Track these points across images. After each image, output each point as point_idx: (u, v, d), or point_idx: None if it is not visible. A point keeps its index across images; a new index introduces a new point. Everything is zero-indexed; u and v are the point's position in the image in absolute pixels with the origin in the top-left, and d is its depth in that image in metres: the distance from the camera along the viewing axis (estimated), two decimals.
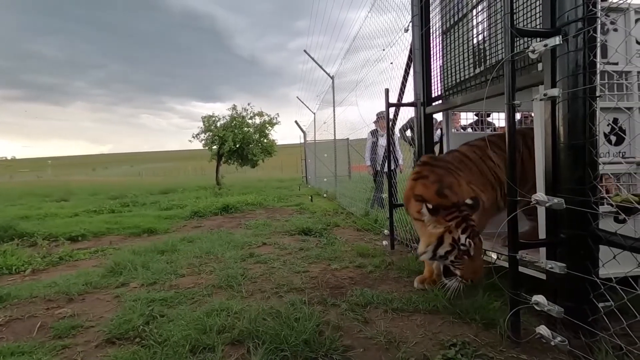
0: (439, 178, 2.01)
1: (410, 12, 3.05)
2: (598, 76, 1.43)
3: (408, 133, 4.23)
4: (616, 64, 1.88)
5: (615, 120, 1.88)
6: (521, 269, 1.63)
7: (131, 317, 1.86)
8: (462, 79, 2.47)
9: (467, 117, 3.81)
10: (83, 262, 3.28)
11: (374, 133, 5.85)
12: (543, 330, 1.39)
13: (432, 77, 2.91)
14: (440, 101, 2.84)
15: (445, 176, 2.03)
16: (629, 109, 1.85)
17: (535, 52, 1.49)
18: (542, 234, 1.74)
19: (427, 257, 1.86)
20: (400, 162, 5.17)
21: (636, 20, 1.93)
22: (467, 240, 1.76)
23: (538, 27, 1.70)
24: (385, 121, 3.58)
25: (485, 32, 2.23)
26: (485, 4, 2.23)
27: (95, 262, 3.23)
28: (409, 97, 3.38)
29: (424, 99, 2.94)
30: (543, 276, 1.69)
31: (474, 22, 2.35)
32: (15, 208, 7.42)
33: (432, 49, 2.90)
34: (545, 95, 1.50)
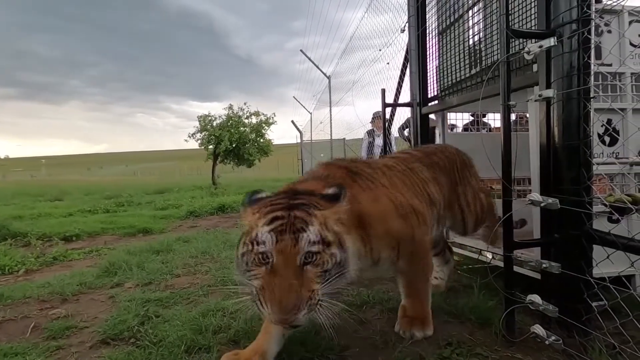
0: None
1: (406, 13, 3.06)
2: (592, 77, 1.45)
3: (406, 133, 4.25)
4: (610, 65, 1.90)
5: (609, 121, 1.89)
6: (516, 268, 1.64)
7: (126, 317, 1.85)
8: (458, 79, 2.48)
9: (457, 117, 3.82)
10: (77, 262, 3.25)
11: (370, 133, 5.86)
12: (538, 329, 1.40)
13: (429, 78, 2.92)
14: (436, 101, 2.86)
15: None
16: (623, 110, 1.87)
17: (531, 53, 1.50)
18: (536, 234, 1.75)
19: None
20: None
21: (630, 22, 1.95)
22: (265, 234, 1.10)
23: (533, 28, 1.72)
24: (381, 121, 3.59)
25: (481, 33, 2.24)
26: (481, 5, 2.25)
27: (90, 262, 3.20)
28: (405, 97, 3.39)
29: (420, 99, 2.95)
30: (538, 276, 1.71)
31: (470, 23, 2.36)
32: (9, 208, 7.35)
33: (428, 49, 2.91)
34: (540, 96, 1.51)
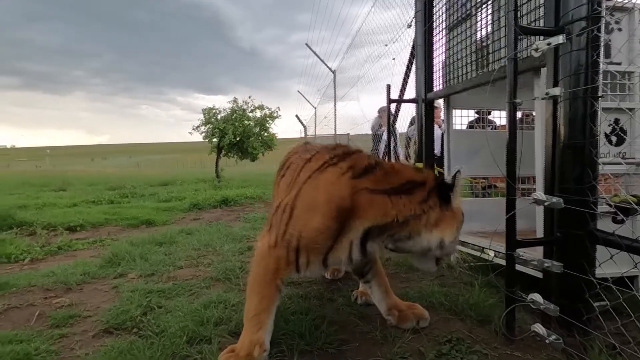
0: None
1: (413, 8, 3.03)
2: (600, 76, 1.43)
3: (410, 131, 4.22)
4: (619, 64, 1.88)
5: (617, 121, 1.87)
6: (518, 267, 1.64)
7: (129, 307, 1.87)
8: (465, 75, 2.45)
9: (462, 114, 3.77)
10: (81, 252, 3.28)
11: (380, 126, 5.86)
12: (538, 328, 1.40)
13: (434, 74, 2.90)
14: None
15: None
16: (631, 109, 1.85)
17: (539, 50, 1.48)
18: (539, 233, 1.75)
19: None
20: (401, 157, 5.18)
21: None
22: None
23: (542, 25, 1.69)
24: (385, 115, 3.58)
25: (488, 29, 2.22)
26: (489, 1, 2.22)
27: (94, 253, 3.23)
28: (410, 93, 3.37)
29: (426, 95, 2.93)
30: (539, 274, 1.70)
31: (478, 19, 2.33)
32: (13, 197, 7.40)
33: (435, 45, 2.88)
34: (547, 94, 1.49)
